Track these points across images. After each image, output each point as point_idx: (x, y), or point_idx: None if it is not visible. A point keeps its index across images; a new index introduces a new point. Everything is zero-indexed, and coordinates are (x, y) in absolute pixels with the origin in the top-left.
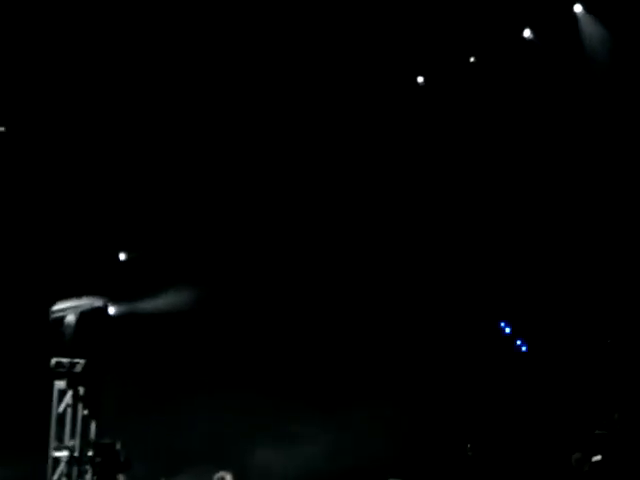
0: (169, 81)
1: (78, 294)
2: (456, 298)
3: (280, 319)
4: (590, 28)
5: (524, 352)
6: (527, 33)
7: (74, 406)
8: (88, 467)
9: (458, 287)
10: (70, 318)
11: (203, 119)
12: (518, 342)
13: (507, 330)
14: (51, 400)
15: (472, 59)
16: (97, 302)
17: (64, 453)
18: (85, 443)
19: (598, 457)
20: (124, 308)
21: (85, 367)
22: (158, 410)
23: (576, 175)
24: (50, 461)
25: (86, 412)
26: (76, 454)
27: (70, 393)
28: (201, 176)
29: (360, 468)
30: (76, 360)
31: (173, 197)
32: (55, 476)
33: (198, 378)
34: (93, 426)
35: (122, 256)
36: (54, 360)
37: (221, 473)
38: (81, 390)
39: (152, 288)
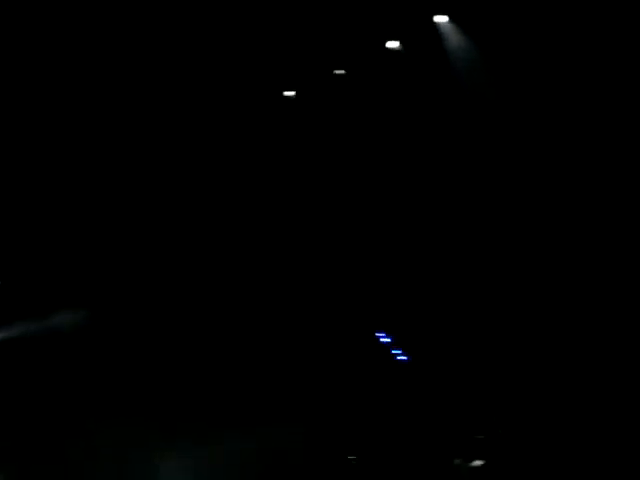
0: None
1: None
2: (337, 308)
3: (160, 343)
4: (454, 37)
5: (404, 361)
6: (392, 44)
7: None
8: None
9: (338, 297)
10: None
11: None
12: (397, 351)
13: (386, 340)
14: None
15: (338, 71)
16: None
17: None
18: None
19: (479, 462)
20: None
21: None
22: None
23: (444, 185)
24: None
25: None
26: None
27: None
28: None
29: None
30: None
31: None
32: None
33: (70, 409)
34: None
35: None
36: None
37: None
38: None
39: (19, 315)
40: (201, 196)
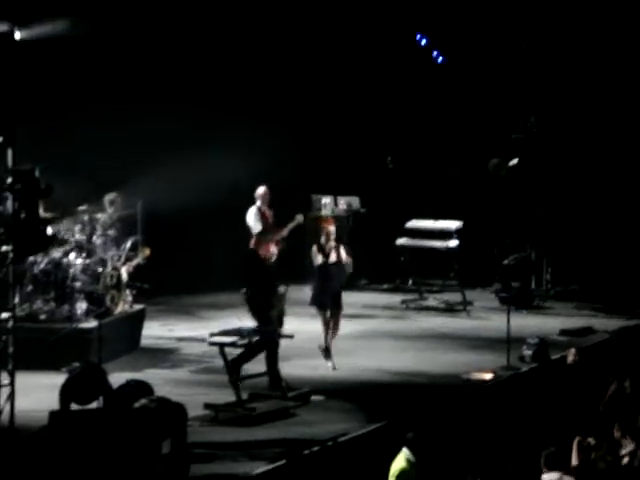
0: None
1: None
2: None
3: None
4: None
5: (441, 63)
6: None
7: None
8: (8, 194)
9: None
10: None
11: None
12: (434, 54)
13: (423, 42)
14: None
15: None
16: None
17: None
18: (3, 170)
19: (515, 161)
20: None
21: None
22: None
23: None
24: None
25: (1, 139)
26: None
27: None
28: None
29: None
30: None
31: None
32: None
33: (121, 94)
34: (10, 153)
35: None
36: None
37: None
38: None
39: None
40: None
